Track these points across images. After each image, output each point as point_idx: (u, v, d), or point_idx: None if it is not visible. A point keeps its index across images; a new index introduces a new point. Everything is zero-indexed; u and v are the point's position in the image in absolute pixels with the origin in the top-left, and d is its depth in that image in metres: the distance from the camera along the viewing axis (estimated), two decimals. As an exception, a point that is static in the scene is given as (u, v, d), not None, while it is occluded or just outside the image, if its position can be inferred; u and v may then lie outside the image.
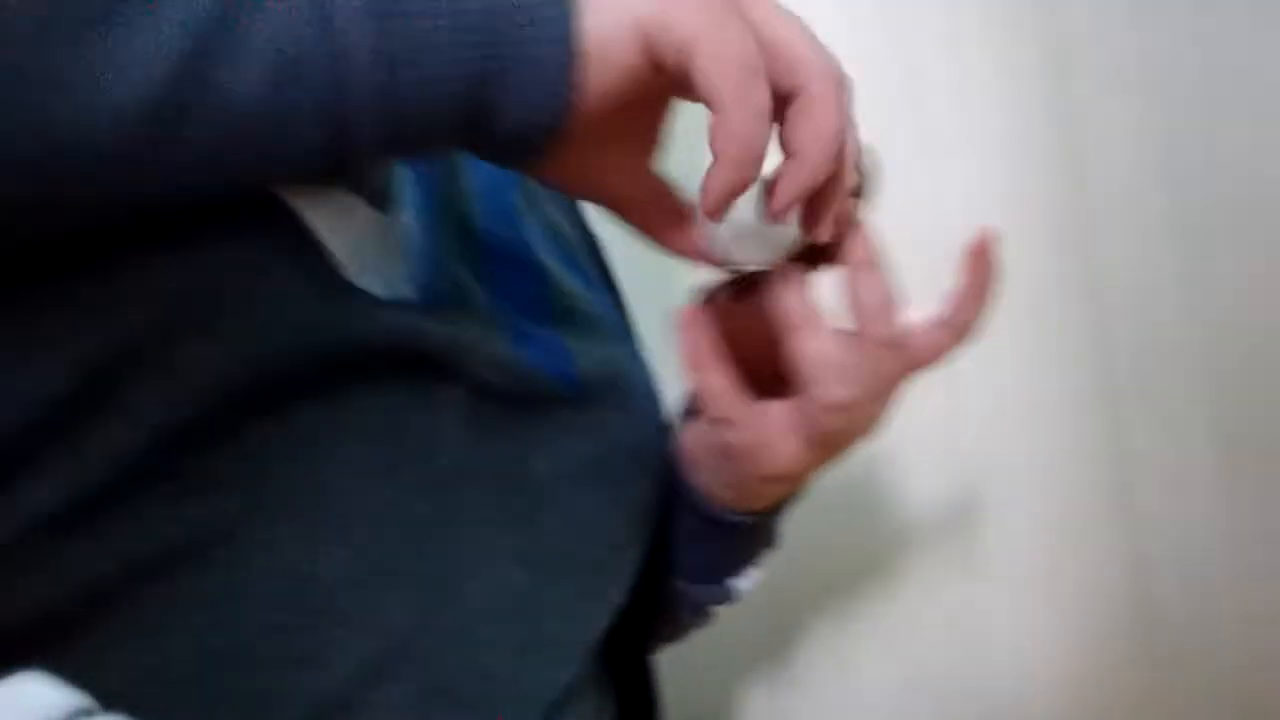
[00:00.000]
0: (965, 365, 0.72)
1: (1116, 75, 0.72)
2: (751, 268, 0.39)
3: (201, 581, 0.32)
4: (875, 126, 0.83)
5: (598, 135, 0.34)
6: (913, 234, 0.77)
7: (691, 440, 0.46)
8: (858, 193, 0.40)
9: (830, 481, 0.75)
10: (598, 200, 0.39)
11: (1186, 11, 0.70)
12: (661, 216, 0.38)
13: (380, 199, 0.37)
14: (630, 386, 0.47)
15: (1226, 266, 0.65)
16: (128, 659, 0.30)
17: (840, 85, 0.34)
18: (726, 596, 0.51)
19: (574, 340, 0.44)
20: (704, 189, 0.32)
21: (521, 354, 0.40)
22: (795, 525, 0.79)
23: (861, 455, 0.74)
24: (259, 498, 0.33)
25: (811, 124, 0.33)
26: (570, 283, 0.48)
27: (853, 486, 0.75)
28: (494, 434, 0.39)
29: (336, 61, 0.29)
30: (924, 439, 0.73)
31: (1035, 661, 0.66)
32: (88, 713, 0.21)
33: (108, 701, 0.27)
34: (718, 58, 0.30)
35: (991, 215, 0.74)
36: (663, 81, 0.32)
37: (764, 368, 0.41)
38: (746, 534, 0.48)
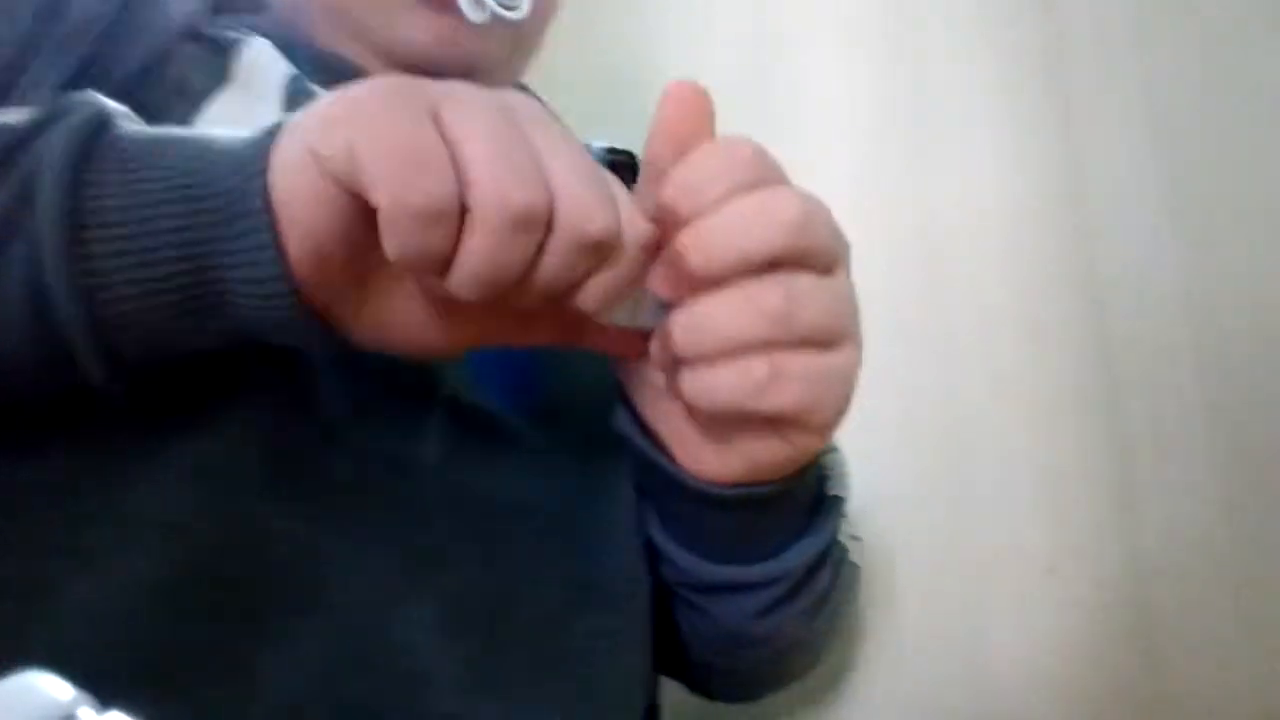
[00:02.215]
0: (966, 365, 0.73)
1: (1117, 75, 0.72)
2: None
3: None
4: (876, 128, 0.84)
5: (375, 282, 0.33)
6: (913, 236, 0.77)
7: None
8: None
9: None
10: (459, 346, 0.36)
11: (1187, 13, 0.70)
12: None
13: None
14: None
15: (1226, 266, 0.66)
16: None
17: (504, 214, 0.29)
18: (771, 576, 0.45)
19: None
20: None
21: (482, 390, 0.43)
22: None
23: (861, 456, 0.74)
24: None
25: (461, 250, 0.29)
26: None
27: (852, 488, 0.74)
28: (464, 461, 0.41)
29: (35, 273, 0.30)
30: (923, 439, 0.73)
31: (1035, 663, 0.66)
32: (88, 710, 0.21)
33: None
34: (373, 156, 0.28)
35: (992, 216, 0.74)
36: None
37: None
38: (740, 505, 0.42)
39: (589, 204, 0.30)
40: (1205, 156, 0.67)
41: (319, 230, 0.30)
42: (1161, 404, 0.66)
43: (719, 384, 0.34)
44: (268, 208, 0.30)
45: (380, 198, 0.28)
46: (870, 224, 0.78)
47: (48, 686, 0.20)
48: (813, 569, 0.46)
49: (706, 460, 0.40)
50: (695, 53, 0.88)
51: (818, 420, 0.36)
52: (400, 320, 0.34)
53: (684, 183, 0.35)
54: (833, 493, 0.47)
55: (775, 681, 0.55)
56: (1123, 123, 0.71)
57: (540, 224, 0.29)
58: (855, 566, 0.52)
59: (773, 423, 0.37)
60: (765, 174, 0.35)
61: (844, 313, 0.37)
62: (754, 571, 0.44)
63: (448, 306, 0.34)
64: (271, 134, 0.31)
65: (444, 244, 0.29)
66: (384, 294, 0.33)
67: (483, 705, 0.38)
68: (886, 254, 0.76)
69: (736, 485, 0.40)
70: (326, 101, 0.31)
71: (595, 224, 0.30)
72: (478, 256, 0.29)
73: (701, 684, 0.55)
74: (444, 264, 0.29)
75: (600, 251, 0.31)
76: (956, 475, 0.71)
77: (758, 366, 0.34)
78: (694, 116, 0.36)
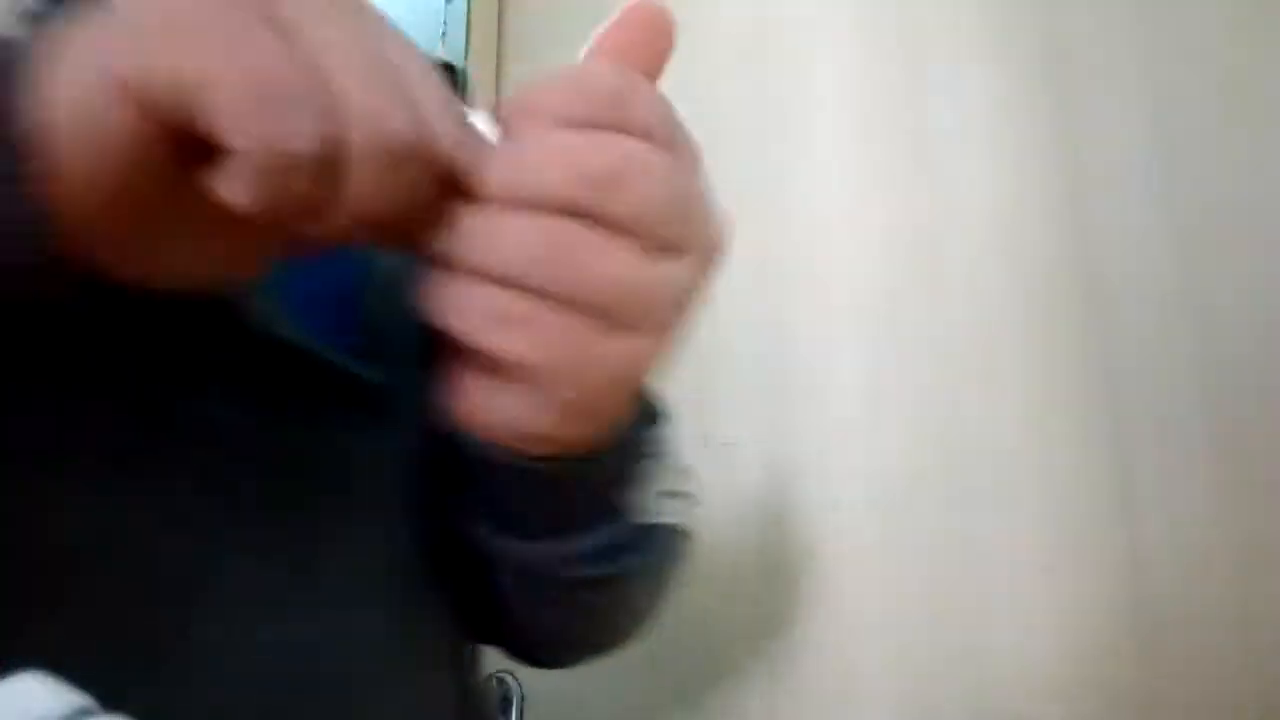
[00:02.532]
0: (966, 366, 0.73)
1: (1117, 76, 0.72)
2: None
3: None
4: (876, 128, 0.84)
5: (170, 220, 0.26)
6: (913, 236, 0.77)
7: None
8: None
9: (827, 482, 0.75)
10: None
11: (1187, 13, 0.70)
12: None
13: None
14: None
15: (1226, 267, 0.65)
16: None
17: (386, 151, 0.24)
18: (576, 555, 0.40)
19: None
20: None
21: (295, 324, 0.36)
22: (789, 525, 0.78)
23: (861, 455, 0.74)
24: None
25: (341, 195, 0.24)
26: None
27: (850, 488, 0.74)
28: (288, 413, 0.35)
29: None
30: (923, 439, 0.73)
31: (1034, 662, 0.66)
32: (88, 712, 0.21)
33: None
34: (222, 84, 0.22)
35: (992, 216, 0.74)
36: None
37: None
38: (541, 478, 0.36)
39: (456, 138, 0.26)
40: (1205, 156, 0.67)
41: (115, 173, 0.24)
42: (1161, 404, 0.66)
43: (464, 303, 0.27)
44: (23, 148, 0.23)
45: (239, 139, 0.22)
46: (870, 224, 0.78)
47: (47, 688, 0.20)
48: (630, 545, 0.40)
49: (478, 416, 0.31)
50: (695, 53, 0.88)
51: (561, 394, 0.28)
52: (194, 249, 0.27)
53: (520, 102, 0.29)
54: (644, 466, 0.40)
55: (598, 649, 0.50)
56: (1123, 123, 0.71)
57: (421, 158, 0.24)
58: (684, 531, 0.45)
59: (514, 376, 0.29)
60: (610, 115, 0.28)
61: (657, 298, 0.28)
62: (560, 547, 0.39)
63: (248, 223, 0.26)
64: (26, 48, 0.24)
65: (315, 190, 0.23)
66: (171, 224, 0.26)
67: (386, 686, 0.36)
68: (886, 254, 0.76)
69: (511, 452, 0.32)
70: (129, 9, 0.24)
71: (459, 162, 0.26)
72: (359, 202, 0.24)
73: (521, 650, 0.51)
74: (312, 211, 0.24)
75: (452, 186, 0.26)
76: (956, 475, 0.71)
77: (512, 301, 0.27)
78: (645, 46, 0.30)
